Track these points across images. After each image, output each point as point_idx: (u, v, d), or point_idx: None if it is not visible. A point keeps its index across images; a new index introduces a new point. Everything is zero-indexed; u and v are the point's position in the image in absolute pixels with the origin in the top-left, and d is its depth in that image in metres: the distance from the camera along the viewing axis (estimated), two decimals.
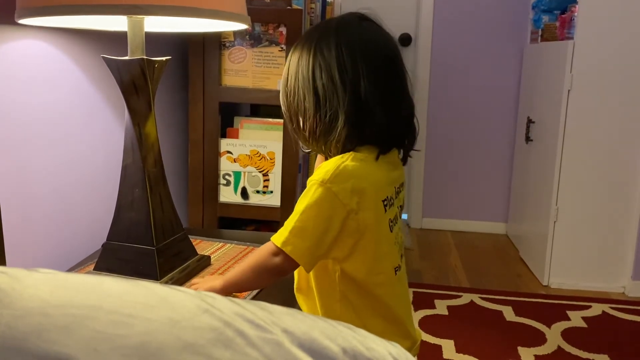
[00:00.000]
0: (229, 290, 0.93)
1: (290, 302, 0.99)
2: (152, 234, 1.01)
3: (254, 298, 1.01)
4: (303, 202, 0.84)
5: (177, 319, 0.38)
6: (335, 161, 0.86)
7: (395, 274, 0.93)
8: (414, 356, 0.95)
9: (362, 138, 0.88)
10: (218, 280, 0.95)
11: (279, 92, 1.51)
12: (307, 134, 0.91)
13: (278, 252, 0.86)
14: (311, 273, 0.91)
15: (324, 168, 0.85)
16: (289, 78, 0.91)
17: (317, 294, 0.92)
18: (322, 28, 0.91)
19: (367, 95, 0.86)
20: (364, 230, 0.86)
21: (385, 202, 0.89)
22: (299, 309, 0.98)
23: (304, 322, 0.43)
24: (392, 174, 0.93)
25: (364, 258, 0.87)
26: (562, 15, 2.66)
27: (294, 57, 0.91)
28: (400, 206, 0.97)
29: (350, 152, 0.87)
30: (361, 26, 0.90)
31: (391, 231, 0.92)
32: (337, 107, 0.86)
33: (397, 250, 0.94)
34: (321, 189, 0.83)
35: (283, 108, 0.95)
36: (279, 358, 0.38)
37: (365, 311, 0.90)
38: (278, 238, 0.85)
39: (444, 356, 1.96)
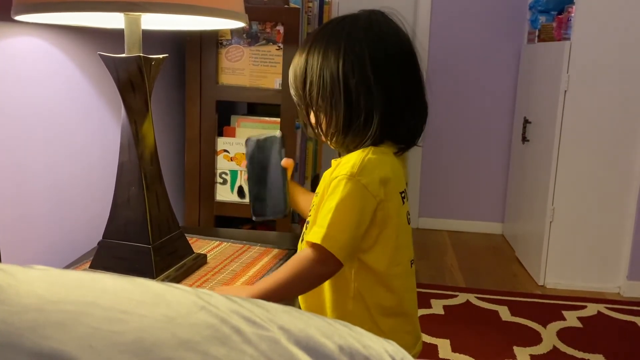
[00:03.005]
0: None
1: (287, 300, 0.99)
2: (148, 232, 1.01)
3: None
4: (334, 199, 0.84)
5: (172, 316, 0.38)
6: (358, 155, 0.86)
7: (411, 266, 0.95)
8: (419, 352, 0.95)
9: (394, 135, 0.89)
10: (245, 292, 0.88)
11: (276, 90, 1.52)
12: (332, 130, 0.90)
13: (321, 259, 0.83)
14: None
15: (348, 163, 0.86)
16: (310, 74, 0.89)
17: (331, 291, 0.92)
18: (349, 25, 0.90)
19: (400, 93, 0.88)
20: (388, 220, 0.87)
21: (403, 195, 0.91)
22: (298, 307, 0.98)
23: (301, 319, 0.43)
24: (404, 169, 0.95)
25: (385, 248, 0.89)
26: (559, 16, 2.66)
27: (315, 54, 0.89)
28: None
29: (370, 147, 0.88)
30: (389, 25, 0.91)
31: (408, 223, 0.94)
32: (371, 105, 0.87)
33: (411, 243, 0.96)
34: (350, 182, 0.84)
35: (297, 99, 0.93)
36: (275, 355, 0.38)
37: (377, 308, 0.91)
38: (315, 236, 0.83)
39: (440, 356, 1.96)
